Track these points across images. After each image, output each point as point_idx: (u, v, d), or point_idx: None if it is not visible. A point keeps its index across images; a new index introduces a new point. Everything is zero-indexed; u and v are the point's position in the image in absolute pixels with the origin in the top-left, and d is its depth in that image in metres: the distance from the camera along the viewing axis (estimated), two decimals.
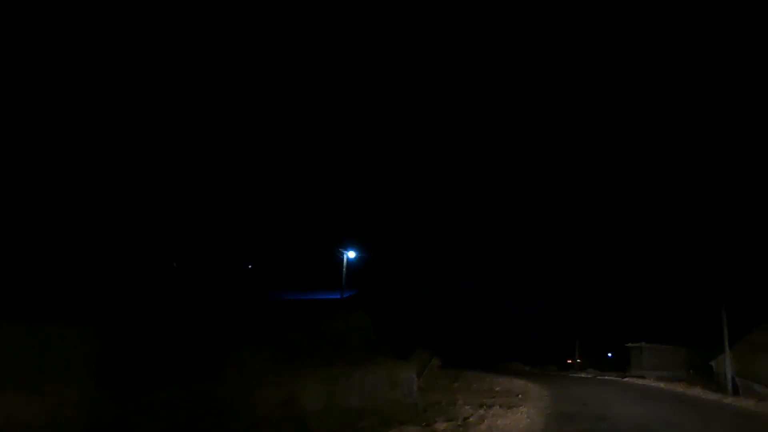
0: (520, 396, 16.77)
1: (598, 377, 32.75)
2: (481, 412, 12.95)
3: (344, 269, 26.54)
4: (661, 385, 22.06)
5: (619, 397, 16.88)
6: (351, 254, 26.84)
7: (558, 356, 53.76)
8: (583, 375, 36.82)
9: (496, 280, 62.32)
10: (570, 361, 51.58)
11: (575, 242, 59.75)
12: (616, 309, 57.03)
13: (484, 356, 52.84)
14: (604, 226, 58.13)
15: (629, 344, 43.55)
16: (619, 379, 29.25)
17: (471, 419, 11.86)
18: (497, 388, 20.23)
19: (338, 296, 28.16)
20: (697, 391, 18.25)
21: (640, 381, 25.77)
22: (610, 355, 56.72)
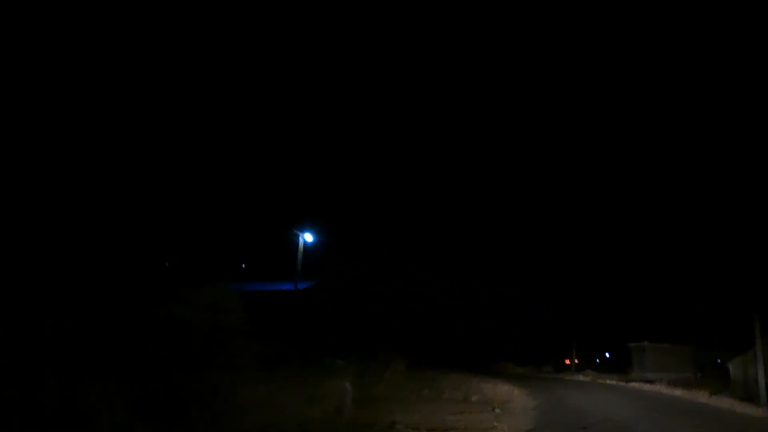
0: (497, 411, 12.85)
1: (598, 380, 28.84)
2: None
3: (300, 254, 22.51)
4: (678, 393, 18.08)
5: (632, 413, 13.02)
6: (308, 237, 22.80)
7: (555, 357, 51.01)
8: (580, 378, 32.85)
9: (491, 278, 59.98)
10: (568, 362, 48.45)
11: (574, 241, 57.08)
12: (615, 308, 54.34)
13: (477, 357, 51.29)
14: (604, 225, 56.20)
15: (631, 344, 39.97)
16: (623, 383, 25.22)
17: None
18: (474, 398, 16.28)
19: (302, 285, 24.26)
20: (728, 402, 14.19)
21: (648, 387, 21.81)
22: (608, 355, 53.90)
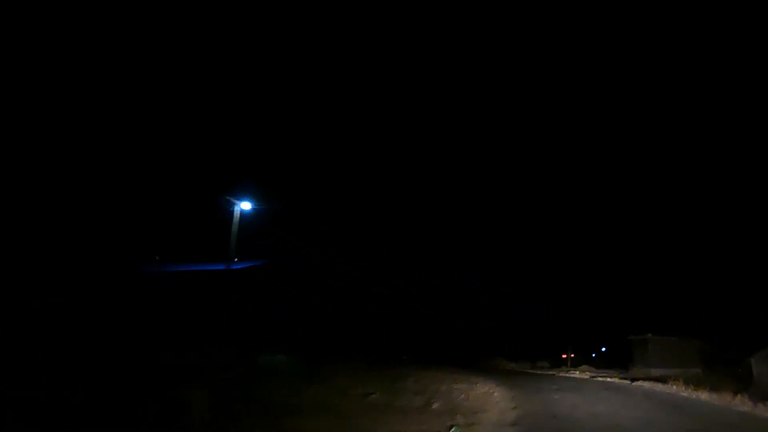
0: (455, 428, 8.88)
1: (598, 378, 24.84)
2: None
3: (235, 226, 18.37)
4: (703, 396, 13.98)
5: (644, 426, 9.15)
6: (245, 206, 18.66)
7: (550, 351, 47.79)
8: (577, 374, 28.90)
9: (481, 266, 56.52)
10: (564, 356, 45.00)
11: (571, 230, 53.94)
12: (612, 299, 50.72)
13: (468, 353, 49.12)
14: (602, 214, 53.10)
15: (632, 336, 36.05)
16: (626, 381, 21.19)
17: None
18: (436, 405, 12.24)
19: (246, 265, 20.16)
20: None
21: (660, 387, 17.71)
22: (603, 349, 50.85)
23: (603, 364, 41.92)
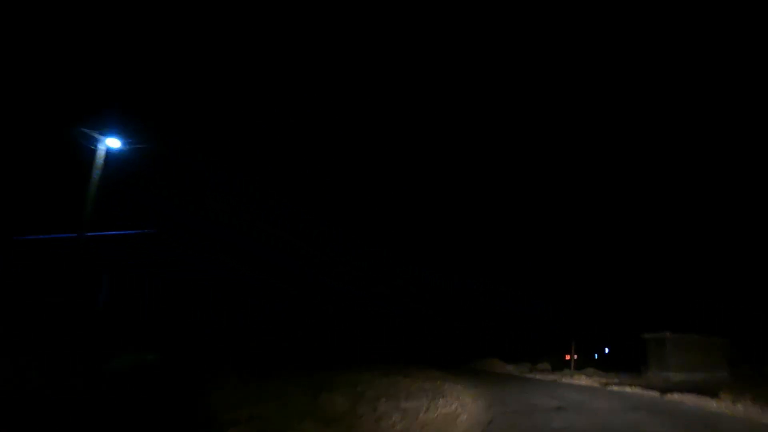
0: None
1: (612, 386, 19.15)
2: None
3: (97, 170, 12.73)
4: None
5: None
6: (113, 143, 13.00)
7: (552, 351, 42.68)
8: (583, 381, 23.20)
9: (478, 261, 51.55)
10: (567, 358, 39.82)
11: (573, 217, 49.00)
12: (620, 293, 45.27)
13: (461, 352, 45.04)
14: (610, 197, 48.15)
15: (647, 335, 30.52)
16: (653, 393, 15.42)
17: None
18: None
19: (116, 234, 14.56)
20: None
21: (713, 405, 11.88)
22: (606, 350, 45.82)
23: (609, 366, 36.54)
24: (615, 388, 18.00)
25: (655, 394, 14.81)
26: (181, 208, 17.29)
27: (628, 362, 34.84)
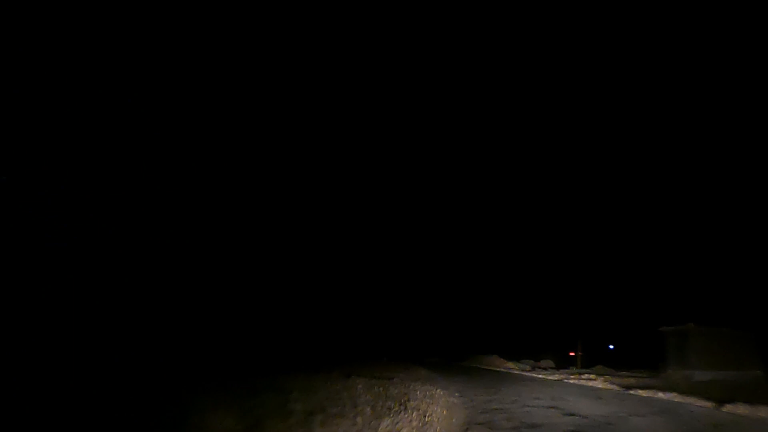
0: None
1: (636, 390, 14.96)
2: None
3: None
4: None
5: None
6: None
7: (557, 346, 40.36)
8: (594, 383, 19.02)
9: (482, 251, 48.21)
10: (572, 354, 36.66)
11: (583, 200, 45.41)
12: (634, 283, 41.30)
13: (459, 347, 44.37)
14: (627, 182, 44.61)
15: (665, 328, 26.55)
16: (708, 403, 11.02)
17: None
18: None
19: None
20: None
21: None
22: (611, 347, 42.26)
23: (619, 363, 33.04)
24: (642, 392, 13.77)
25: (708, 404, 10.58)
26: None
27: (640, 358, 31.38)
